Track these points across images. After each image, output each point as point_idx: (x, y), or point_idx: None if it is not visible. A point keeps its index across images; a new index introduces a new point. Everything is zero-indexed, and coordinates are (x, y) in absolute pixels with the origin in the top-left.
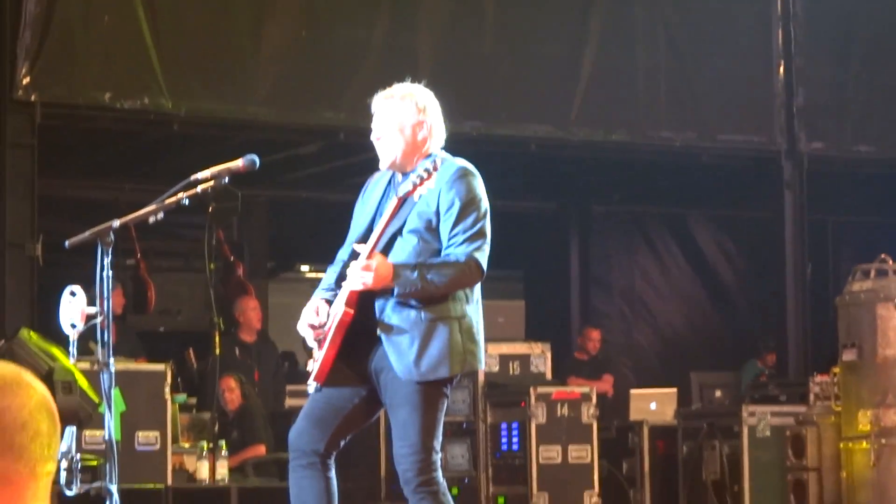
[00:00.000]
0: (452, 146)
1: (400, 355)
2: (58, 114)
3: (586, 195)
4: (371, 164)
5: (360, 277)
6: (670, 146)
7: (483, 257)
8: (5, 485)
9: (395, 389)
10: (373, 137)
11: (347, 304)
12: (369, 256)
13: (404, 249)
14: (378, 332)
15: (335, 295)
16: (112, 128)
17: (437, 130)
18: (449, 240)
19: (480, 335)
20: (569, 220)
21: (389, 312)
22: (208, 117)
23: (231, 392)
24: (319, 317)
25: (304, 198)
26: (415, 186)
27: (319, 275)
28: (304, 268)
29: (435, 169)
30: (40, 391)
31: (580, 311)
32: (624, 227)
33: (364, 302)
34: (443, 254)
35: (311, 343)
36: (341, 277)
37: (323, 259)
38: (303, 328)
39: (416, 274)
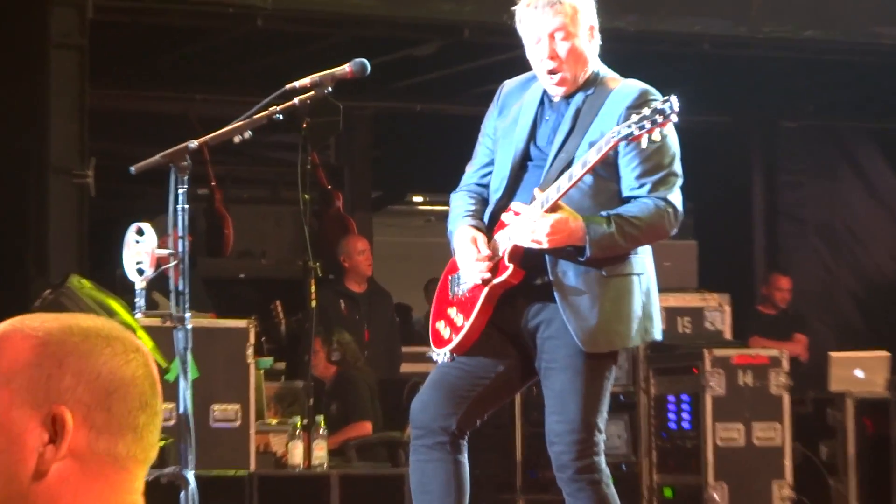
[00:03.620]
0: (604, 47)
1: (579, 320)
2: (113, 6)
3: (773, 107)
4: (503, 70)
5: (541, 234)
6: (879, 44)
7: (679, 200)
8: (121, 471)
9: (555, 349)
10: (543, 56)
11: (511, 258)
12: (552, 209)
13: (576, 190)
14: (550, 289)
15: (482, 226)
16: (180, 24)
17: (598, 34)
18: (635, 179)
19: (657, 294)
20: (750, 139)
21: (563, 266)
22: (299, 10)
23: (315, 355)
24: (480, 249)
25: (418, 111)
26: (642, 132)
27: (436, 207)
28: (417, 199)
29: (675, 113)
30: (152, 362)
31: (765, 254)
32: (821, 146)
33: (528, 254)
34: (626, 195)
35: (468, 278)
36: (486, 215)
37: (440, 187)
38: (466, 258)
39: (612, 227)
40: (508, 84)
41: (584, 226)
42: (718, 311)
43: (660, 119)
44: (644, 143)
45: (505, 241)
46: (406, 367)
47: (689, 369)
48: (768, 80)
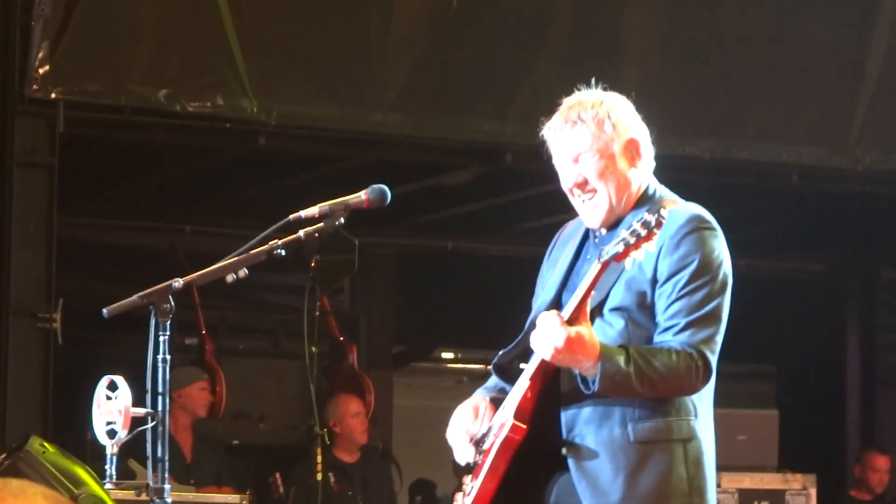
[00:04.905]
0: (676, 177)
1: (597, 494)
2: (88, 119)
3: (873, 252)
4: (551, 202)
5: (551, 341)
6: None
7: (713, 353)
8: None
9: None
10: (568, 186)
11: (517, 415)
12: (571, 320)
13: (604, 336)
14: (565, 456)
15: (502, 398)
16: (169, 141)
17: (647, 148)
18: (666, 320)
19: (712, 467)
20: (846, 290)
21: (582, 429)
22: (309, 127)
23: None
24: (479, 422)
25: (450, 250)
26: (627, 248)
27: (469, 366)
28: (447, 355)
29: (659, 225)
30: None
31: (860, 427)
32: None
33: (542, 414)
34: (655, 340)
35: (464, 458)
36: (512, 378)
37: (474, 342)
38: (455, 436)
39: (630, 364)
40: (567, 226)
41: (599, 353)
42: (803, 496)
43: (643, 233)
44: (629, 263)
45: (512, 399)
46: None
47: None
48: (869, 221)
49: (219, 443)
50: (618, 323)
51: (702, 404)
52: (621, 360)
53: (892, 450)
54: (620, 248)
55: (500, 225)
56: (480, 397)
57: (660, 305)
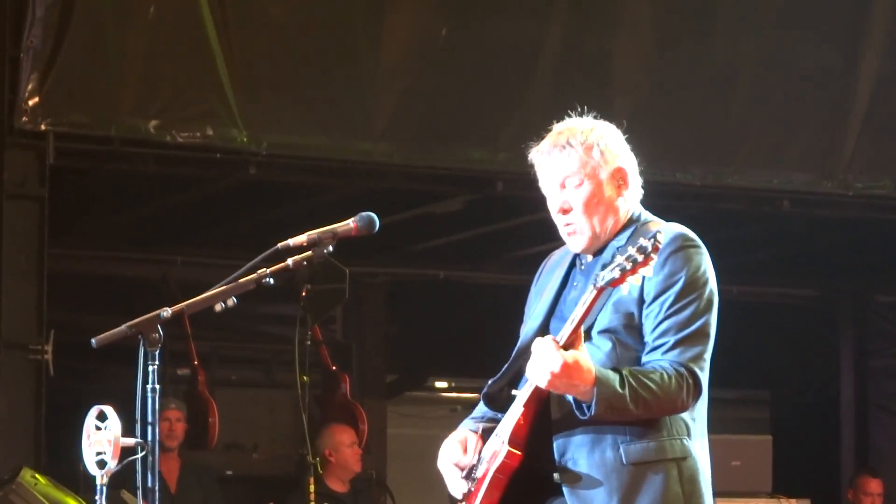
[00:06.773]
0: (668, 203)
1: None
2: (78, 150)
3: (866, 278)
4: (543, 230)
5: (547, 367)
6: None
7: (703, 370)
8: None
9: None
10: (554, 210)
11: (512, 441)
12: (567, 345)
13: (592, 359)
14: (558, 481)
15: (491, 427)
16: (159, 172)
17: (634, 178)
18: (654, 340)
19: (708, 486)
20: (839, 316)
21: (575, 453)
22: (299, 157)
23: None
24: (468, 455)
25: (443, 279)
26: (624, 274)
27: (462, 395)
28: (440, 384)
29: (655, 249)
30: None
31: (855, 452)
32: None
33: (534, 440)
34: (643, 360)
35: (456, 490)
36: (501, 407)
37: (467, 370)
38: (446, 469)
39: (625, 386)
40: (554, 255)
41: (595, 378)
42: None
43: (640, 258)
44: (625, 288)
45: (506, 426)
46: None
47: None
48: (860, 246)
49: (210, 471)
50: (605, 345)
51: (695, 424)
52: (616, 383)
53: (887, 474)
54: (616, 273)
55: (492, 253)
56: (468, 429)
57: (647, 325)
